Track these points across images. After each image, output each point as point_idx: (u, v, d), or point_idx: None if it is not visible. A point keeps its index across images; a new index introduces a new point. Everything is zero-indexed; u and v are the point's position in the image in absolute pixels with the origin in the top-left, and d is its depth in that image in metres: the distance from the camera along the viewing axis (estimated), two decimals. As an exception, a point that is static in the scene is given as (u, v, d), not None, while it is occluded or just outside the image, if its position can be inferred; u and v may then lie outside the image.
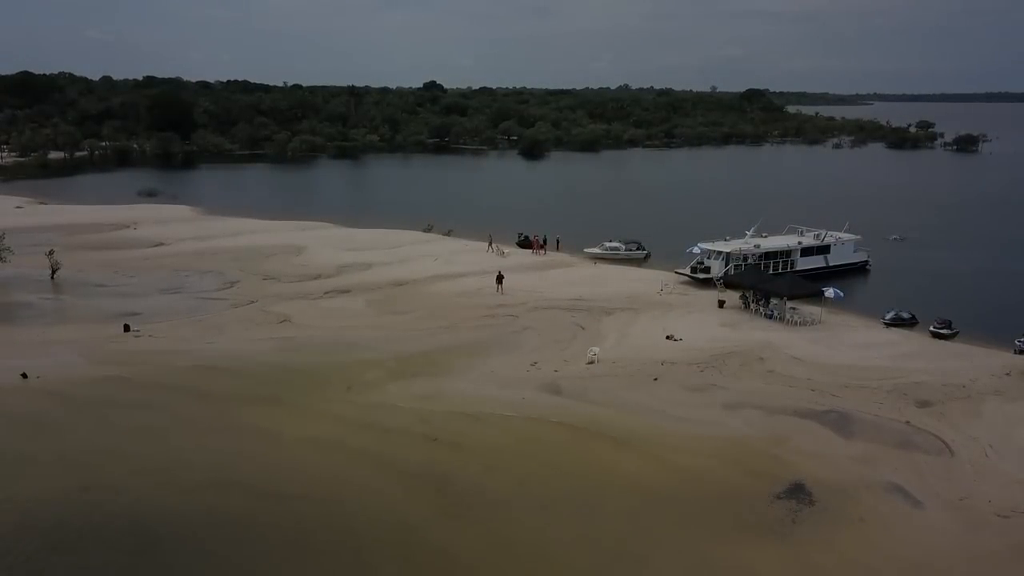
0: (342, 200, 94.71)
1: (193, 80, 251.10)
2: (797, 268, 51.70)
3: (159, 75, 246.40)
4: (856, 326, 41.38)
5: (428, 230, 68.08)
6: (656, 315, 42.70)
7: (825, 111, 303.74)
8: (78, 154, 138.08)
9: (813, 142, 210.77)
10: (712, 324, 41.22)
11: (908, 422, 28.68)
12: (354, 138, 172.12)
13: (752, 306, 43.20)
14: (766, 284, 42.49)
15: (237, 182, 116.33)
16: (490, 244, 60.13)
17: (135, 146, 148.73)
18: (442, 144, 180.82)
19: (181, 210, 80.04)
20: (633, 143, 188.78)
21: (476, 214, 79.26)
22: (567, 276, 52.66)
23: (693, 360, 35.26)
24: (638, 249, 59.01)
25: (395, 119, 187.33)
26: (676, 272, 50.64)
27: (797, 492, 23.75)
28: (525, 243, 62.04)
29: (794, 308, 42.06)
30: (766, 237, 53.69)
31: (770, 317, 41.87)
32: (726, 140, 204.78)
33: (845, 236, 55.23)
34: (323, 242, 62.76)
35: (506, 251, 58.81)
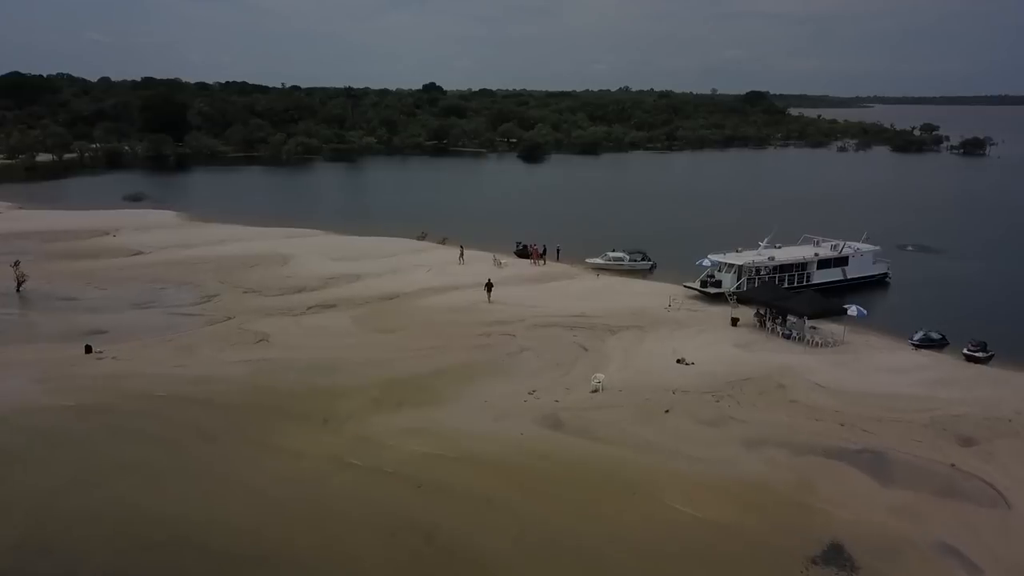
0: (335, 205, 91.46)
1: (192, 82, 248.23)
2: (813, 281, 48.54)
3: (159, 77, 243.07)
4: (881, 348, 38.19)
5: (422, 238, 64.96)
6: (665, 334, 39.53)
7: (825, 114, 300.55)
8: (67, 156, 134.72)
9: (817, 145, 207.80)
10: (726, 345, 38.05)
11: (953, 465, 25.51)
12: (351, 140, 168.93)
13: (768, 325, 40.04)
14: (784, 301, 39.26)
15: (228, 186, 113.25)
16: (461, 255, 56.26)
17: (127, 148, 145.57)
18: (440, 146, 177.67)
19: (166, 216, 76.83)
20: (634, 146, 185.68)
21: (472, 221, 76.18)
22: (568, 289, 49.51)
23: (707, 388, 32.09)
24: (643, 259, 55.85)
25: (393, 121, 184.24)
26: (685, 286, 47.46)
27: (835, 555, 20.58)
28: (523, 253, 58.85)
29: (814, 327, 38.88)
30: (780, 248, 50.49)
31: (788, 337, 38.70)
32: (728, 143, 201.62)
33: (864, 247, 52.03)
34: (311, 251, 59.58)
35: (503, 261, 55.64)
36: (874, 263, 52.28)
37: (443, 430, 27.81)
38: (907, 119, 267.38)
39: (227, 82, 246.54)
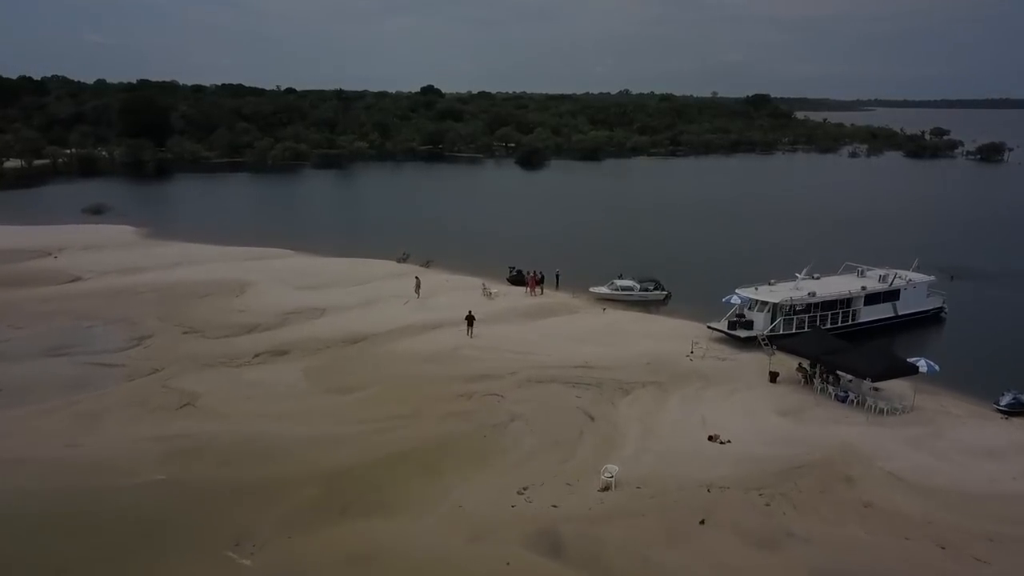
0: (313, 218, 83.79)
1: (190, 84, 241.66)
2: (860, 320, 41.04)
3: (159, 79, 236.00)
4: (962, 415, 30.60)
5: (403, 260, 57.34)
6: (690, 395, 31.96)
7: (827, 117, 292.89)
8: (38, 162, 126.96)
9: (826, 150, 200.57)
10: (767, 411, 30.48)
11: (1118, 626, 17.95)
12: (341, 145, 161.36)
13: (816, 383, 32.43)
14: (839, 357, 31.48)
15: (205, 195, 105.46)
16: (417, 288, 46.92)
17: (104, 154, 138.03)
18: (435, 151, 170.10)
19: (122, 232, 69.21)
20: (637, 151, 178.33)
21: (461, 238, 68.70)
22: (570, 327, 41.94)
23: (752, 481, 24.53)
24: (656, 289, 48.29)
25: (386, 124, 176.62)
26: (709, 327, 39.83)
27: None
28: (517, 279, 51.26)
29: (877, 388, 31.25)
30: (818, 279, 42.89)
31: (843, 400, 31.12)
32: (734, 148, 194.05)
33: (916, 277, 44.34)
34: (274, 277, 51.97)
35: (494, 291, 48.06)
36: (928, 296, 44.68)
37: (396, 557, 20.27)
38: (911, 122, 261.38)
39: (222, 84, 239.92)
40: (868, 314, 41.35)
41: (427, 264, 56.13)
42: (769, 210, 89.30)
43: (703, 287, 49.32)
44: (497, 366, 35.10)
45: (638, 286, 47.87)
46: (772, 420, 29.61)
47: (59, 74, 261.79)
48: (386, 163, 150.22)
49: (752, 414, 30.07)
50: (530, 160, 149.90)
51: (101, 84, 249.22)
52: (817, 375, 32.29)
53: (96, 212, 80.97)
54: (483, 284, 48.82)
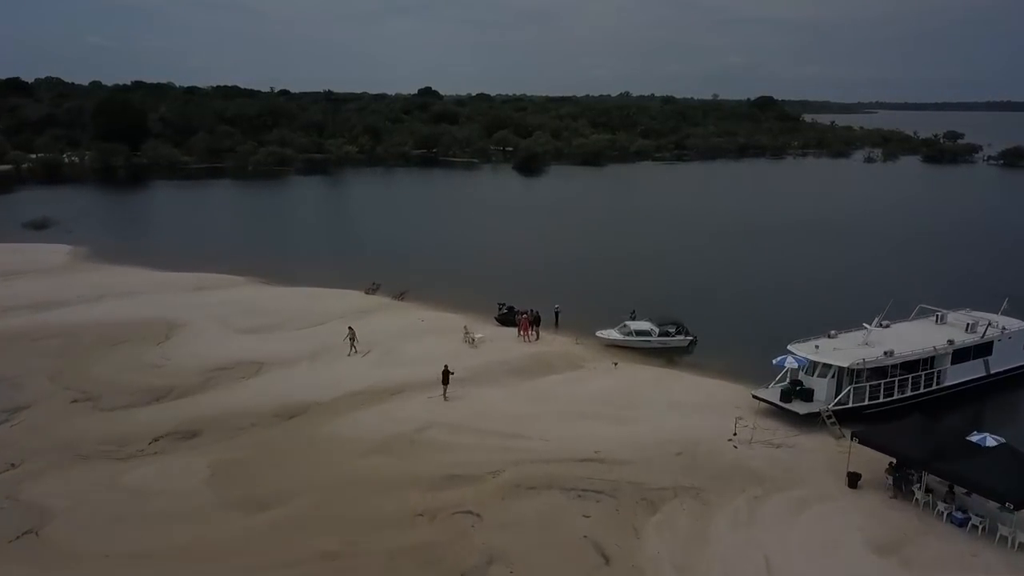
0: (282, 233, 74.17)
1: (186, 85, 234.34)
2: (945, 383, 31.82)
3: (154, 80, 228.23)
4: None
5: (372, 291, 48.19)
6: (741, 510, 22.83)
7: (829, 119, 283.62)
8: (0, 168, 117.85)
9: (837, 155, 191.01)
10: (854, 543, 21.32)
11: None
12: (328, 150, 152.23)
13: (918, 494, 23.27)
14: (960, 468, 21.97)
15: (170, 205, 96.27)
16: (353, 341, 36.85)
17: (73, 159, 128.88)
18: (429, 156, 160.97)
19: (56, 253, 59.99)
20: (640, 155, 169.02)
21: (445, 260, 59.50)
22: (573, 392, 32.75)
23: None
24: (678, 333, 39.12)
25: (377, 128, 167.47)
26: (754, 396, 30.60)
27: None
28: (508, 318, 42.06)
29: (1010, 509, 21.99)
30: (888, 327, 33.68)
31: (961, 524, 21.99)
32: (742, 152, 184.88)
33: (1010, 324, 35.03)
34: (214, 314, 42.87)
35: (478, 336, 38.92)
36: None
37: None
38: (915, 125, 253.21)
39: (217, 86, 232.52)
40: (956, 375, 32.14)
41: (401, 296, 47.13)
42: (796, 224, 79.73)
43: (736, 328, 40.47)
44: (474, 459, 26.02)
45: (656, 330, 38.70)
46: (867, 563, 20.43)
47: (56, 76, 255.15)
48: (375, 169, 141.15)
49: (835, 550, 20.91)
50: (528, 165, 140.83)
51: (96, 86, 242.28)
52: (914, 478, 23.13)
53: (39, 227, 71.90)
54: (464, 327, 39.66)
